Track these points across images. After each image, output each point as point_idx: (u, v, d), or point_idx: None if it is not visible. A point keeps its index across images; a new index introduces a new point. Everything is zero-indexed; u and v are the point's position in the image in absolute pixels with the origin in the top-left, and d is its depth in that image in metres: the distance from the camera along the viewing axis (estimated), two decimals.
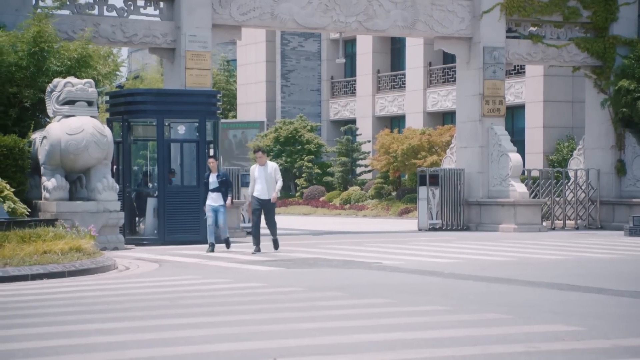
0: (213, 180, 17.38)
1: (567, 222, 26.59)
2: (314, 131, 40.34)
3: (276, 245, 17.42)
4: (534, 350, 7.25)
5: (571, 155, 30.05)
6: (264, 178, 16.89)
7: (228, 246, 17.55)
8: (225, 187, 17.48)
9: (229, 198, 17.52)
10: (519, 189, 24.54)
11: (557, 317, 9.01)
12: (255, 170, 17.17)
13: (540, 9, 25.96)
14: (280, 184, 17.08)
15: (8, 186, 17.48)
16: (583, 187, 26.91)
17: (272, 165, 17.14)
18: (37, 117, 20.40)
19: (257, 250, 17.00)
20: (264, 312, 9.37)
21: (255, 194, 17.01)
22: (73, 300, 10.50)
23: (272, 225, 17.20)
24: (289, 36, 43.60)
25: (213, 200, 17.31)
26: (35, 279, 12.65)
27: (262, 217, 17.05)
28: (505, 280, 12.35)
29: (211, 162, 17.64)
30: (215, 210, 17.31)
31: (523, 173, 26.27)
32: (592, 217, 26.84)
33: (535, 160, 33.50)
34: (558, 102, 34.29)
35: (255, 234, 17.02)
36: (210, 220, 17.41)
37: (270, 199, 16.94)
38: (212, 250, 17.27)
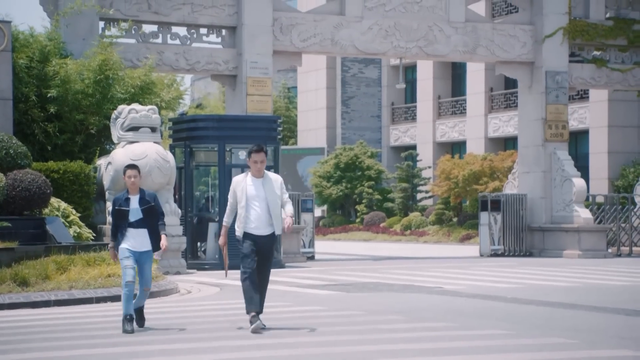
0: (134, 207, 9.85)
1: (634, 248, 26.00)
2: (374, 157, 40.32)
3: (256, 323, 9.57)
4: None
5: (637, 180, 29.43)
6: (264, 199, 9.70)
7: (141, 322, 9.94)
8: (152, 217, 9.92)
9: (163, 237, 9.89)
10: (583, 214, 24.13)
11: (623, 342, 8.81)
12: (246, 183, 9.76)
13: (604, 32, 25.65)
14: (291, 206, 9.86)
15: (74, 211, 17.84)
16: None
17: (277, 178, 9.89)
18: (103, 143, 20.79)
19: (256, 317, 9.66)
20: (324, 335, 9.35)
21: (249, 229, 9.72)
22: None
23: (265, 282, 10.03)
24: (350, 63, 43.78)
25: (135, 240, 9.84)
26: (100, 302, 12.85)
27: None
28: (569, 305, 12.12)
29: (132, 177, 9.86)
30: (138, 259, 9.88)
31: (587, 199, 25.83)
32: None
33: (600, 186, 32.91)
34: (623, 127, 33.68)
35: (252, 290, 9.82)
36: (129, 275, 9.73)
37: (274, 232, 9.80)
38: (131, 329, 9.60)
